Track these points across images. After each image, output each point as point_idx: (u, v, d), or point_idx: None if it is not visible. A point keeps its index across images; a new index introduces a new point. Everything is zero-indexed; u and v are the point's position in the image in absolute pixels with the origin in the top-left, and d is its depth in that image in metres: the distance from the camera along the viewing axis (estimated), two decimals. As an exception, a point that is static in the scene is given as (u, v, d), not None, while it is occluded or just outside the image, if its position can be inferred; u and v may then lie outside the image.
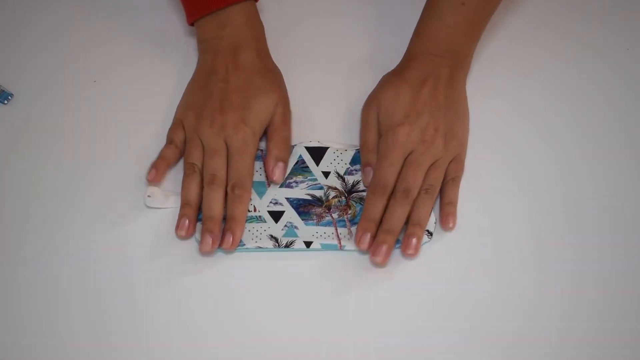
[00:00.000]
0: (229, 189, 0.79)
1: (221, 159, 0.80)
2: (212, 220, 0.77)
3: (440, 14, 0.84)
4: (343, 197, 0.82)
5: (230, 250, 0.78)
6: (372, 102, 0.83)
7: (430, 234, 0.79)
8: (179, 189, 0.80)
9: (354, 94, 0.88)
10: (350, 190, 0.82)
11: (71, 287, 0.76)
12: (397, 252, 0.79)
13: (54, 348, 0.74)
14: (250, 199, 0.81)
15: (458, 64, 0.84)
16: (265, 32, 0.87)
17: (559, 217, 0.82)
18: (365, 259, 0.79)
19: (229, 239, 0.77)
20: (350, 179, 0.83)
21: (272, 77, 0.85)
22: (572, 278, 0.78)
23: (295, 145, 0.84)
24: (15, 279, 0.76)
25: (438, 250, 0.79)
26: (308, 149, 0.84)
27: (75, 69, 0.89)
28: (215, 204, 0.78)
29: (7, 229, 0.79)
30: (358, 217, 0.81)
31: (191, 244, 0.78)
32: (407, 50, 0.85)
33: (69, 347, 0.74)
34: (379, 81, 0.85)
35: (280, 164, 0.82)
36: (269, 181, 0.82)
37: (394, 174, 0.79)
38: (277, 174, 0.81)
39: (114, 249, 0.78)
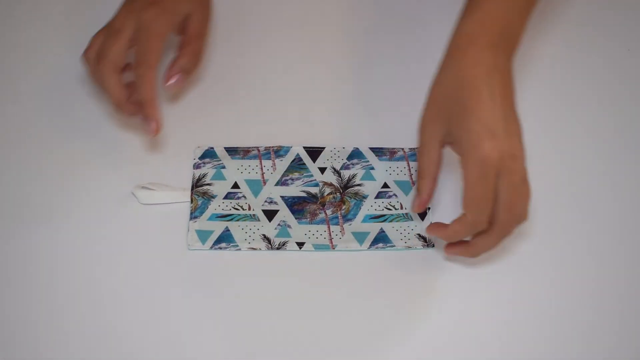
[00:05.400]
0: (133, 70, 0.77)
1: (119, 39, 0.77)
2: (117, 105, 0.78)
3: None
4: (338, 193, 0.82)
5: (156, 135, 0.78)
6: (436, 113, 0.72)
7: (424, 240, 0.79)
8: (163, 183, 0.82)
9: (354, 94, 0.88)
10: (346, 185, 0.82)
11: (64, 287, 0.77)
12: (391, 254, 0.79)
13: (47, 347, 0.75)
14: (245, 198, 0.81)
15: (512, 52, 0.73)
16: (266, 31, 0.86)
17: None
18: (356, 258, 0.79)
19: (150, 126, 0.77)
20: (346, 174, 0.83)
21: None
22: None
23: (292, 146, 0.84)
24: (7, 278, 0.78)
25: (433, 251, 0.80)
26: (306, 149, 0.84)
27: (75, 68, 0.89)
28: (107, 85, 0.78)
29: (5, 228, 0.81)
30: (352, 213, 0.80)
31: (182, 244, 0.79)
32: (458, 31, 0.72)
33: (64, 347, 0.75)
34: (435, 79, 0.72)
35: (182, 76, 0.80)
36: (165, 87, 0.79)
37: (492, 206, 0.70)
38: (174, 85, 0.80)
39: (105, 247, 0.79)
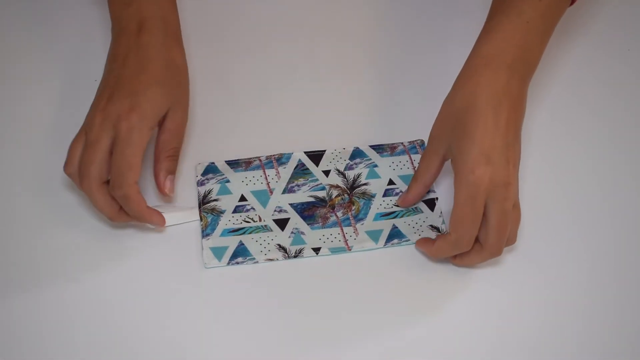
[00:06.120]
0: (110, 190, 0.74)
1: (96, 152, 0.73)
2: (110, 219, 0.76)
3: (518, 8, 0.74)
4: (346, 195, 0.82)
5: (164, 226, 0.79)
6: (442, 129, 0.75)
7: (438, 230, 0.80)
8: (175, 205, 0.81)
9: (346, 94, 0.88)
10: (352, 186, 0.83)
11: (81, 317, 0.76)
12: (408, 253, 0.79)
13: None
14: (254, 209, 0.81)
15: (528, 75, 0.74)
16: (266, 33, 0.86)
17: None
18: (373, 258, 0.79)
19: (155, 225, 0.78)
20: (351, 174, 0.83)
21: (175, 71, 0.78)
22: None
23: (293, 152, 0.84)
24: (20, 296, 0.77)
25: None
26: (307, 153, 0.84)
27: (75, 68, 0.89)
28: (95, 202, 0.75)
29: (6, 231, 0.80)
30: (362, 213, 0.81)
31: (197, 264, 0.79)
32: (476, 51, 0.74)
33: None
34: (448, 97, 0.75)
35: (171, 177, 0.79)
36: (164, 193, 0.79)
37: (477, 229, 0.72)
38: (169, 186, 0.79)
39: (120, 275, 0.78)
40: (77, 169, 0.75)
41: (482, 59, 0.73)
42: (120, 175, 0.73)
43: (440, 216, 0.81)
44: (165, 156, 0.79)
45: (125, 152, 0.73)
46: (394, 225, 0.80)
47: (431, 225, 0.80)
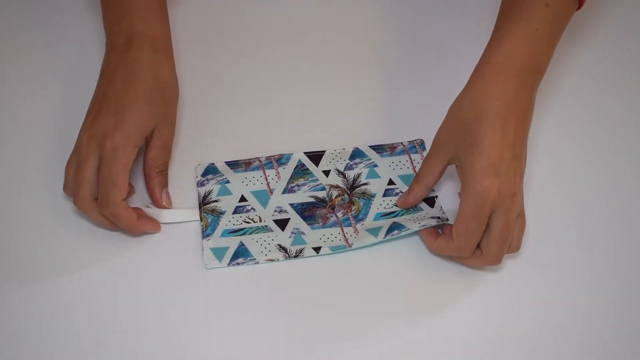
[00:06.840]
0: (98, 209, 0.76)
1: (85, 171, 0.74)
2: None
3: (527, 14, 0.74)
4: (346, 195, 0.82)
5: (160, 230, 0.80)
6: (449, 135, 0.74)
7: (438, 218, 0.80)
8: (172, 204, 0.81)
9: (354, 94, 0.89)
10: (352, 186, 0.83)
11: (85, 318, 0.76)
12: (406, 252, 0.79)
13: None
14: (254, 210, 0.81)
15: (536, 82, 0.74)
16: (266, 33, 0.86)
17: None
18: (374, 259, 0.79)
19: (151, 231, 0.79)
20: (351, 174, 0.83)
21: (163, 88, 0.78)
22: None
23: (293, 153, 0.84)
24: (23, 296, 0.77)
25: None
26: (307, 154, 0.84)
27: (75, 68, 0.89)
28: (92, 218, 0.77)
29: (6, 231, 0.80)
30: (362, 213, 0.81)
31: (198, 264, 0.79)
32: (485, 58, 0.74)
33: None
34: (455, 103, 0.75)
35: (166, 190, 0.80)
36: (162, 206, 0.81)
37: (479, 238, 0.73)
38: (166, 199, 0.80)
39: (120, 275, 0.78)
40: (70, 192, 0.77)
41: (492, 66, 0.73)
42: (106, 194, 0.74)
43: (440, 209, 0.80)
44: (156, 172, 0.80)
45: (110, 171, 0.74)
46: (394, 222, 0.80)
47: (431, 217, 0.80)
